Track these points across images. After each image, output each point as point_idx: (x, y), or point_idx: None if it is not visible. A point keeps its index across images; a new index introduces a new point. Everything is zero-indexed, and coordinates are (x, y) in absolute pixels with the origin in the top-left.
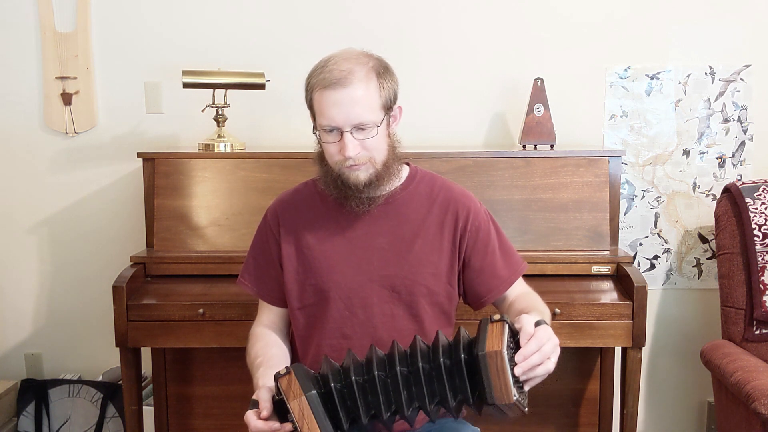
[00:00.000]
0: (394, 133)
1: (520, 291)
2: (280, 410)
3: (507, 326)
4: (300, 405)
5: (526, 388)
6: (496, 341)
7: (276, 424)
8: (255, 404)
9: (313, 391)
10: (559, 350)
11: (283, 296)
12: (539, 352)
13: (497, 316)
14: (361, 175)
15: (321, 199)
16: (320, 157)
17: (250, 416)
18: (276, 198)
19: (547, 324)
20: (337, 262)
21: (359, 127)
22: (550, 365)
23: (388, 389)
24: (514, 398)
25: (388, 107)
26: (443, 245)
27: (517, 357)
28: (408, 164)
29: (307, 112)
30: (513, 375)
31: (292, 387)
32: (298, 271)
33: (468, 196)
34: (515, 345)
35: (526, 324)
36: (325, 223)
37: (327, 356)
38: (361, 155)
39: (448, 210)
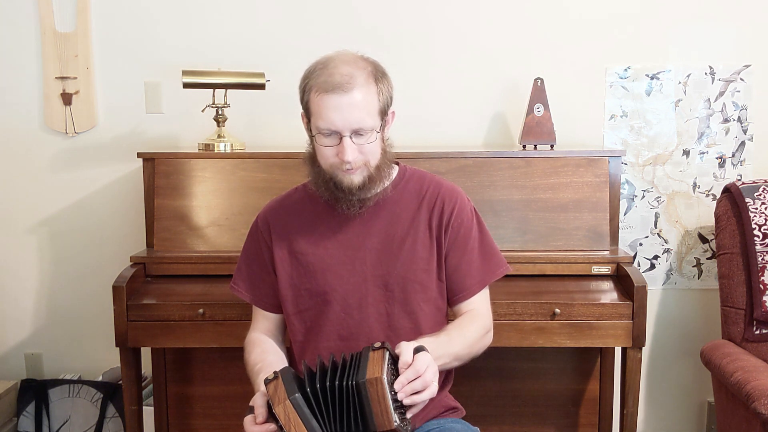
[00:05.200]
0: (388, 137)
1: (474, 307)
2: (272, 415)
3: (387, 353)
4: (285, 409)
5: (409, 414)
6: (377, 368)
7: (272, 426)
8: (252, 410)
9: (297, 394)
10: (437, 375)
11: (278, 302)
12: (421, 379)
13: (378, 344)
14: (356, 178)
15: (311, 203)
16: (311, 158)
17: (248, 422)
18: (265, 205)
19: (425, 351)
20: (330, 265)
21: (358, 132)
22: (434, 388)
23: (331, 401)
24: (395, 424)
25: (384, 112)
26: (432, 241)
27: (396, 385)
28: (397, 163)
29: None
30: (395, 401)
31: (278, 392)
32: (293, 276)
33: (455, 192)
34: (396, 372)
35: (404, 352)
36: (317, 226)
37: (305, 360)
38: (358, 159)
39: (435, 205)
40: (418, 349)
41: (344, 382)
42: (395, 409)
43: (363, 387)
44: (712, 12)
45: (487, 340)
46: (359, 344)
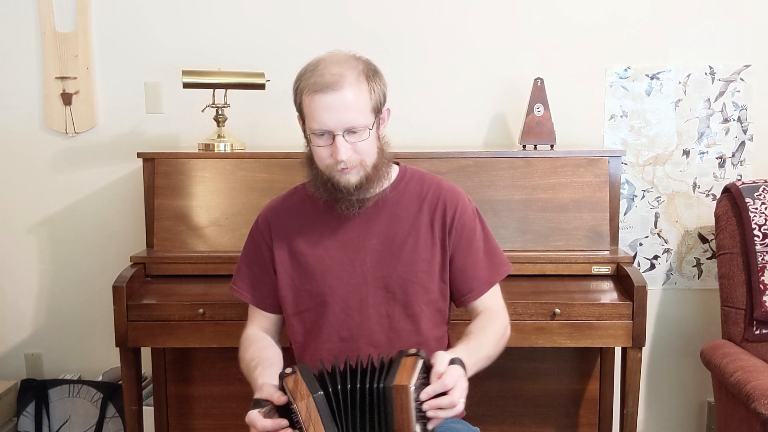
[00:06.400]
0: (383, 135)
1: (489, 305)
2: (281, 410)
3: (420, 362)
4: (307, 406)
5: (431, 426)
6: (405, 376)
7: (284, 422)
8: (257, 404)
9: (321, 392)
10: (466, 392)
11: (278, 303)
12: (447, 396)
13: (413, 350)
14: (352, 178)
15: (311, 203)
16: (309, 159)
17: (255, 416)
18: (265, 205)
19: (461, 364)
20: (330, 266)
21: (351, 131)
22: (460, 407)
23: (351, 403)
24: None
25: (378, 110)
26: (434, 242)
27: (422, 395)
28: (397, 164)
29: None
30: (419, 410)
31: (299, 387)
32: (293, 277)
33: (457, 193)
34: (428, 380)
35: (438, 363)
36: (317, 227)
37: (322, 360)
38: (352, 158)
39: (437, 206)
40: (452, 361)
41: (372, 385)
42: (418, 419)
43: (389, 392)
44: (712, 12)
45: (508, 334)
46: (360, 345)
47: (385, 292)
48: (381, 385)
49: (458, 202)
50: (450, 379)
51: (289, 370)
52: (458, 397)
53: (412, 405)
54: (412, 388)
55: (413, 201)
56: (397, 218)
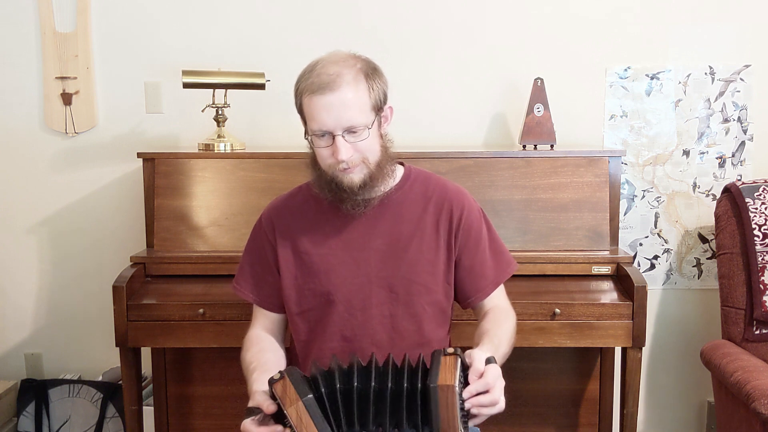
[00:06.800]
0: (386, 134)
1: (496, 303)
2: (276, 415)
3: (459, 360)
4: (297, 411)
5: (471, 423)
6: (449, 375)
7: (278, 428)
8: (251, 412)
9: (310, 396)
10: (503, 390)
11: (281, 302)
12: (489, 394)
13: (450, 350)
14: (355, 177)
15: (315, 202)
16: (313, 160)
17: (250, 425)
18: (269, 204)
19: (495, 362)
20: (334, 266)
21: (351, 130)
22: (502, 405)
23: (361, 402)
24: None
25: (379, 108)
26: (439, 243)
27: (465, 394)
28: (402, 164)
29: None
30: (461, 410)
31: (288, 392)
32: (297, 277)
33: (462, 194)
34: (465, 380)
35: (476, 361)
36: (321, 226)
37: (315, 361)
38: (353, 158)
39: (443, 208)
40: (488, 360)
41: (411, 384)
42: (461, 418)
43: (434, 392)
44: (712, 12)
45: (515, 331)
46: (363, 345)
47: (389, 292)
48: (420, 385)
49: (464, 203)
50: (491, 377)
51: (277, 375)
52: (499, 395)
53: (457, 404)
54: (457, 387)
55: (418, 201)
56: (402, 218)
